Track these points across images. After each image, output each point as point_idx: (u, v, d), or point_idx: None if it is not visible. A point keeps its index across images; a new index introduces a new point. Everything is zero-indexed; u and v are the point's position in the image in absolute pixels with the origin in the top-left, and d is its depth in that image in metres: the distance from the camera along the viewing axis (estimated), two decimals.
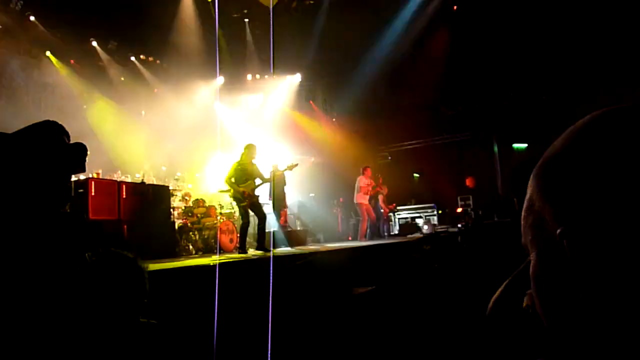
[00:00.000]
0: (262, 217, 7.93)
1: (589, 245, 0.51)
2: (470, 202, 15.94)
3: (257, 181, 7.99)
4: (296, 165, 8.46)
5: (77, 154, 1.45)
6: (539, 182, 0.59)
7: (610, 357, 0.50)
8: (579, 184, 0.52)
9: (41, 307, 1.78)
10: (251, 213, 8.01)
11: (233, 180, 7.78)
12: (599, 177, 0.51)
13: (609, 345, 0.50)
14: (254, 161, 8.10)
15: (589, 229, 0.51)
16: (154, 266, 4.54)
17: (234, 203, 8.43)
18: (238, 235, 8.44)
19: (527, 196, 0.61)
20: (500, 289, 1.47)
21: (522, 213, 0.62)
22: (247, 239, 8.10)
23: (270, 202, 10.50)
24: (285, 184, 10.69)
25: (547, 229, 0.56)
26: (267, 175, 8.17)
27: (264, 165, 10.57)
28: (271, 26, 13.02)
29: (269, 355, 3.52)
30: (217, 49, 12.68)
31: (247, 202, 7.77)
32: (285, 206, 10.93)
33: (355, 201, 11.19)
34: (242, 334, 3.82)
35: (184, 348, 3.18)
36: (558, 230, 0.53)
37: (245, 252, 7.59)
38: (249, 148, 8.11)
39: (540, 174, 0.59)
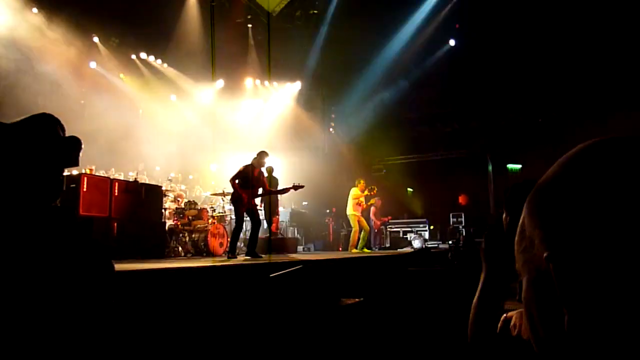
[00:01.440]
0: (256, 223, 7.88)
1: (574, 269, 0.52)
2: (462, 219, 15.99)
3: (260, 190, 8.00)
4: (302, 187, 8.45)
5: (71, 148, 1.44)
6: (531, 208, 0.60)
7: None
8: (567, 210, 0.54)
9: (27, 301, 1.76)
10: (246, 218, 7.97)
11: (237, 182, 7.75)
12: (585, 205, 0.52)
13: None
14: (263, 169, 8.16)
15: (574, 253, 0.52)
16: (141, 266, 4.50)
17: (231, 206, 8.39)
18: (229, 239, 8.41)
19: (520, 222, 0.63)
20: (472, 313, 1.47)
21: (515, 238, 0.64)
22: (237, 243, 8.05)
23: (263, 209, 10.48)
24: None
25: (537, 254, 0.57)
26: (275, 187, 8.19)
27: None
28: (268, 33, 13.11)
29: None
30: (212, 50, 12.65)
31: (246, 207, 7.74)
32: (277, 213, 10.90)
33: (348, 213, 11.18)
34: (227, 341, 3.79)
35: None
36: (545, 254, 0.55)
37: (235, 257, 7.55)
38: (261, 155, 8.10)
39: (532, 200, 0.60)
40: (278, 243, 10.43)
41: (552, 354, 0.56)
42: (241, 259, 7.43)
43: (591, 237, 0.51)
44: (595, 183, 0.53)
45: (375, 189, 11.61)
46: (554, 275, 0.53)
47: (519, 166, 16.35)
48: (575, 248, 0.52)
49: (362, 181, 11.31)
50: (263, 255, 7.80)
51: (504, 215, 1.99)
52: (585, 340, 0.51)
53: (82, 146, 1.49)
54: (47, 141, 1.38)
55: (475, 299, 1.49)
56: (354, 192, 11.13)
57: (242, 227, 7.95)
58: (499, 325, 1.53)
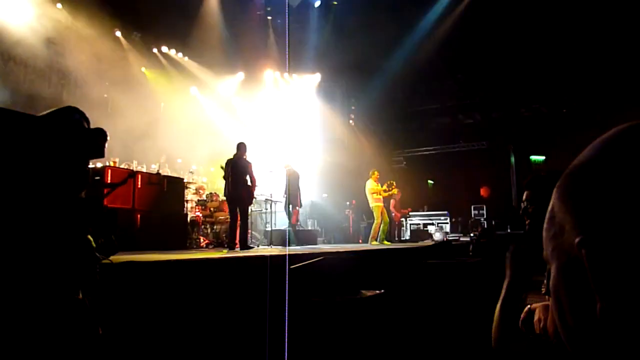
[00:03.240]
0: (244, 214, 7.88)
1: (608, 255, 0.50)
2: (484, 212, 15.83)
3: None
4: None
5: (97, 139, 1.47)
6: (562, 193, 0.58)
7: None
8: (602, 194, 0.52)
9: (51, 291, 1.80)
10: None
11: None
12: (622, 188, 0.51)
13: None
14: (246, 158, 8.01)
15: (608, 239, 0.50)
16: (164, 257, 4.57)
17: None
18: (250, 230, 8.55)
19: (549, 208, 0.61)
20: (496, 318, 1.46)
21: (544, 225, 0.62)
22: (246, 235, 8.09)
23: (284, 200, 10.54)
24: (298, 184, 10.68)
25: (567, 240, 0.56)
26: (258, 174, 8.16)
27: (277, 165, 10.61)
28: (287, 25, 13.08)
29: (267, 356, 3.53)
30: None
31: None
32: (298, 205, 10.91)
33: (370, 205, 11.15)
34: (244, 332, 3.83)
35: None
36: (577, 239, 0.53)
37: (234, 249, 7.64)
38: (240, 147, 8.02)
39: (564, 185, 0.58)
40: (298, 235, 10.47)
41: (581, 343, 0.54)
42: (253, 251, 7.50)
43: (627, 222, 0.49)
44: (633, 167, 0.51)
45: (394, 183, 11.55)
46: (586, 261, 0.52)
47: (542, 158, 16.08)
48: (609, 233, 0.50)
49: (376, 172, 11.25)
50: (252, 246, 7.98)
51: (523, 206, 1.96)
52: (619, 329, 0.49)
53: (108, 137, 1.51)
54: (74, 133, 1.41)
55: (499, 305, 1.48)
56: (370, 184, 11.07)
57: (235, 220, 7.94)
58: (522, 315, 1.51)
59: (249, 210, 8.37)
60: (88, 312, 1.82)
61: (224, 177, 8.00)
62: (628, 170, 0.51)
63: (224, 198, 10.17)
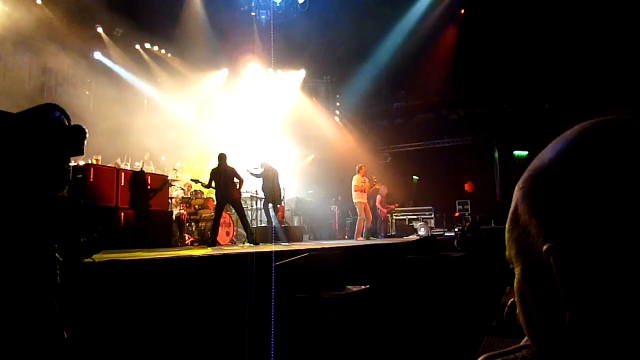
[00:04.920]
0: (241, 212, 8.61)
1: (577, 264, 0.49)
2: (468, 206, 15.97)
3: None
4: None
5: (76, 136, 1.45)
6: (526, 195, 0.56)
7: None
8: (569, 199, 0.51)
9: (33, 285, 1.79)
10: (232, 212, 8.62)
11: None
12: (589, 192, 0.49)
13: None
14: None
15: (576, 246, 0.49)
16: (148, 255, 4.54)
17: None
18: (235, 228, 9.07)
19: (512, 208, 0.59)
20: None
21: (507, 226, 0.60)
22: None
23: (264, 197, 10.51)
24: (278, 181, 10.58)
25: (532, 243, 0.54)
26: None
27: (256, 162, 10.65)
28: (271, 20, 13.02)
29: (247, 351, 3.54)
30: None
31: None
32: (280, 202, 10.87)
33: (353, 200, 11.15)
34: (229, 330, 3.83)
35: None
36: (545, 247, 0.52)
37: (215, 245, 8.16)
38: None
39: (528, 187, 0.57)
40: (284, 231, 10.45)
41: (548, 345, 0.54)
42: (238, 247, 7.49)
43: (595, 229, 0.48)
44: (599, 169, 0.49)
45: (375, 178, 11.57)
46: (555, 268, 0.50)
47: (525, 153, 16.25)
48: (577, 241, 0.49)
49: (363, 167, 11.25)
50: (259, 242, 8.60)
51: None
52: (589, 335, 0.48)
53: (87, 135, 1.50)
54: (52, 130, 1.39)
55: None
56: (356, 179, 11.06)
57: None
58: (506, 310, 1.53)
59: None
60: (49, 315, 1.79)
61: (206, 186, 8.74)
62: (593, 173, 0.50)
63: (209, 196, 10.15)
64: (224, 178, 8.38)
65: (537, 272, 0.54)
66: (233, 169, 8.57)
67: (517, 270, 0.58)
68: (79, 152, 1.54)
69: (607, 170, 0.49)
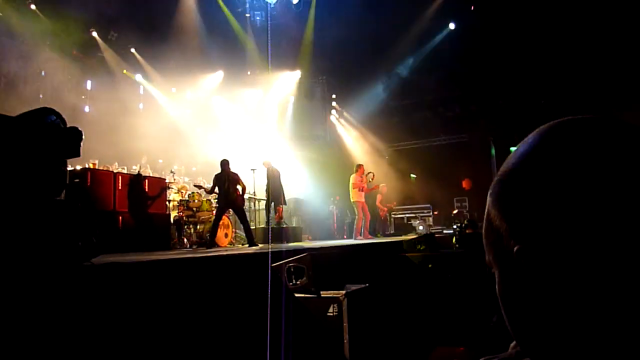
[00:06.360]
0: (243, 217, 8.77)
1: (545, 264, 0.50)
2: (466, 204, 15.98)
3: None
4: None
5: (72, 138, 1.45)
6: (495, 200, 0.58)
7: None
8: (532, 201, 0.52)
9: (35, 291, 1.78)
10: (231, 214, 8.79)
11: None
12: (550, 193, 0.51)
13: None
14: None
15: (543, 246, 0.50)
16: (146, 257, 4.54)
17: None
18: (234, 229, 9.12)
19: (485, 214, 0.60)
20: None
21: (483, 231, 0.62)
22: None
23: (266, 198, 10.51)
24: (280, 181, 10.58)
25: (506, 246, 0.56)
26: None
27: (259, 162, 10.66)
28: (268, 21, 13.01)
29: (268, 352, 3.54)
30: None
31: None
32: (282, 203, 10.82)
33: (351, 200, 11.14)
34: (228, 330, 3.83)
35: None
36: (515, 249, 0.53)
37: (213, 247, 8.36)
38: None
39: (496, 192, 0.58)
40: (283, 231, 10.44)
41: (531, 343, 0.55)
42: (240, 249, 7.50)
43: (560, 228, 0.49)
44: (557, 170, 0.51)
45: (373, 174, 11.56)
46: (526, 270, 0.52)
47: None
48: (543, 241, 0.51)
49: (360, 166, 11.26)
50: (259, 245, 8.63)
51: None
52: (564, 333, 0.50)
53: (83, 137, 1.50)
54: (48, 133, 1.39)
55: None
56: (354, 178, 11.06)
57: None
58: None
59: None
60: (47, 317, 1.79)
61: (209, 192, 8.99)
62: (552, 175, 0.51)
63: (206, 198, 10.14)
64: (227, 184, 8.51)
65: (513, 274, 0.55)
66: (236, 174, 8.69)
67: (496, 274, 0.60)
68: (76, 154, 1.54)
69: (565, 171, 0.51)
